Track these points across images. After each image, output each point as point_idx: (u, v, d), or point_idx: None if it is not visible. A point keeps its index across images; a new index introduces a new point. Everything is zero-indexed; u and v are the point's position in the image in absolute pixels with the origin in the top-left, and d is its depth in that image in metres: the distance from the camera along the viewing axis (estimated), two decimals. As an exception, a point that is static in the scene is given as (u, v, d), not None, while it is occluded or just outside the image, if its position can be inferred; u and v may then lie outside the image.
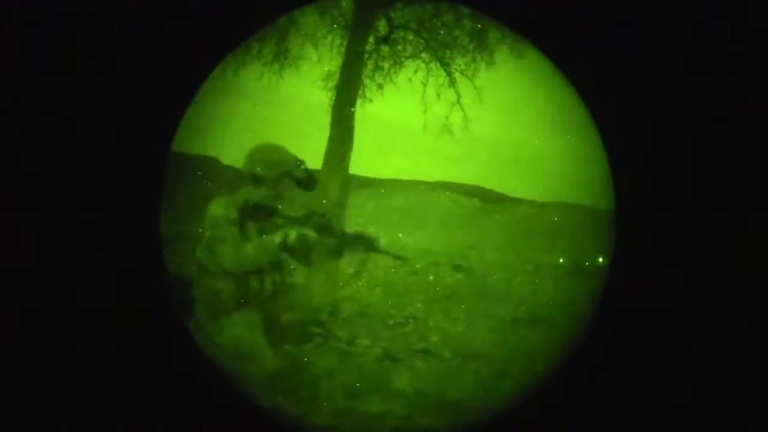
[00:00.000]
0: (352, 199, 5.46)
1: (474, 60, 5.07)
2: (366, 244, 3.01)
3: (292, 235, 2.88)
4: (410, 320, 4.90)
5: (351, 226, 5.46)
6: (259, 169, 2.88)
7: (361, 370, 3.68)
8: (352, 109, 5.06)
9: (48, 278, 2.95)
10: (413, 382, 3.52)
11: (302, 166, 2.87)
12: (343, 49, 5.02)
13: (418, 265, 6.73)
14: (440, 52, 5.11)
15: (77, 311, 2.95)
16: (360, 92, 5.11)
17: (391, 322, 4.82)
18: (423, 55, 5.16)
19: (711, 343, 2.93)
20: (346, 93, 5.05)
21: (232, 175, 3.01)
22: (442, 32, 5.09)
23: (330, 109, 5.09)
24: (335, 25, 5.11)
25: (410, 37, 5.14)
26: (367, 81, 5.17)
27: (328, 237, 2.98)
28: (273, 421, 2.98)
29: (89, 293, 2.97)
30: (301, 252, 2.96)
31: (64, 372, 2.93)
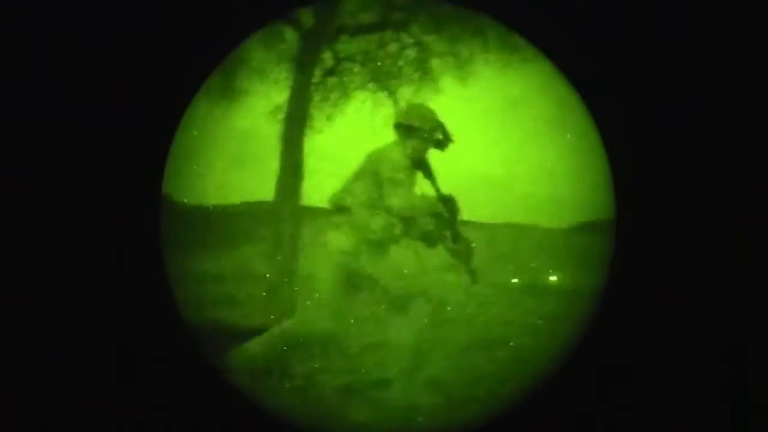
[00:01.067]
0: (307, 229, 5.45)
1: (419, 89, 5.17)
2: (467, 250, 3.25)
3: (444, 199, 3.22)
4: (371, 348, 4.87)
5: (306, 259, 5.44)
6: (416, 121, 3.20)
7: (319, 402, 3.65)
8: (302, 141, 5.11)
9: (47, 279, 2.98)
10: (372, 414, 3.50)
11: (444, 127, 3.25)
12: (290, 83, 5.07)
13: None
14: (386, 82, 5.20)
15: (77, 314, 2.97)
16: (309, 123, 5.16)
17: (352, 351, 4.78)
18: (370, 85, 5.24)
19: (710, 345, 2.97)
20: (295, 125, 5.09)
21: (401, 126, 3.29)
22: (387, 62, 5.18)
23: (280, 142, 5.12)
24: (282, 59, 5.16)
25: (356, 68, 5.23)
26: (315, 113, 5.23)
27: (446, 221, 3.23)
28: (273, 422, 3.04)
29: (90, 294, 2.99)
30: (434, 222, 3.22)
31: (64, 372, 2.95)
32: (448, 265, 3.38)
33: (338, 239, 3.25)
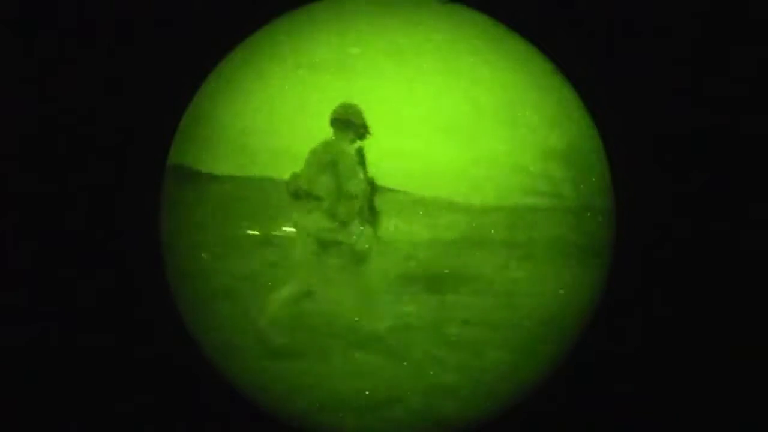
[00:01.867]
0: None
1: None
2: (377, 221, 3.79)
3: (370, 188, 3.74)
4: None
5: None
6: (352, 117, 3.71)
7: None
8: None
9: (47, 281, 2.97)
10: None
11: (365, 121, 3.75)
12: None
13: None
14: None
15: (77, 311, 2.98)
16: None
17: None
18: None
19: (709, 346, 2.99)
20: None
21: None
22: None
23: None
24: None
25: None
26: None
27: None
28: (273, 422, 3.11)
29: (90, 292, 3.00)
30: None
31: (65, 372, 2.97)
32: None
33: (312, 223, 3.68)
